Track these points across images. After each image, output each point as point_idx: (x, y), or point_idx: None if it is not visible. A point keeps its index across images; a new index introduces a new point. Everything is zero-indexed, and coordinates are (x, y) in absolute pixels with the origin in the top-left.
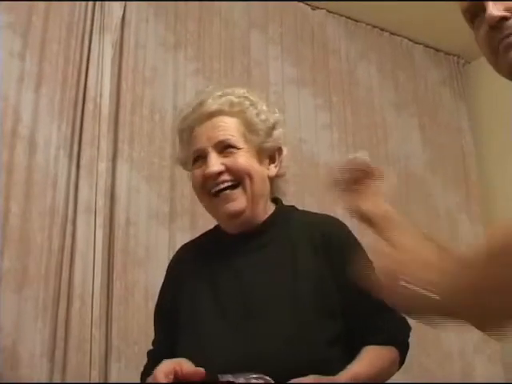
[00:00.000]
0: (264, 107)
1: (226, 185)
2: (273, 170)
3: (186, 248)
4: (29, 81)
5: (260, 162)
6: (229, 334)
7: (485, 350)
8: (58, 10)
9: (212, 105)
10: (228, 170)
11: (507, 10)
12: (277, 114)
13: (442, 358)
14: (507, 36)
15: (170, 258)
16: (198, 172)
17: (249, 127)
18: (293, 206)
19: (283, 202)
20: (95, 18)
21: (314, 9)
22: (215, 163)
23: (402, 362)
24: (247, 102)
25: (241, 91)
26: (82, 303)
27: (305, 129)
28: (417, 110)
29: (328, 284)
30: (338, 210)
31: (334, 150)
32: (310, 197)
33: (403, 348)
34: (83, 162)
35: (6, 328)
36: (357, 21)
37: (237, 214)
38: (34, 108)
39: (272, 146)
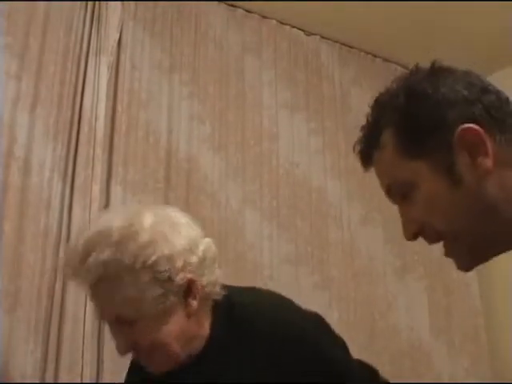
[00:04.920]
0: (144, 243)
1: (143, 357)
2: (193, 303)
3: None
4: (24, 102)
5: (169, 316)
6: None
7: (476, 374)
8: (55, 32)
9: (85, 279)
10: (136, 345)
11: (415, 222)
12: (179, 243)
13: (433, 381)
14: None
15: None
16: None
17: (132, 294)
18: (230, 307)
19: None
20: (91, 40)
21: (307, 34)
22: (121, 343)
23: None
24: (117, 255)
25: (114, 233)
26: (73, 325)
27: (297, 153)
28: None
29: None
30: (330, 235)
31: (327, 174)
32: (302, 221)
33: None
34: (77, 183)
35: None
36: (350, 47)
37: (163, 372)
38: (30, 129)
39: (176, 293)
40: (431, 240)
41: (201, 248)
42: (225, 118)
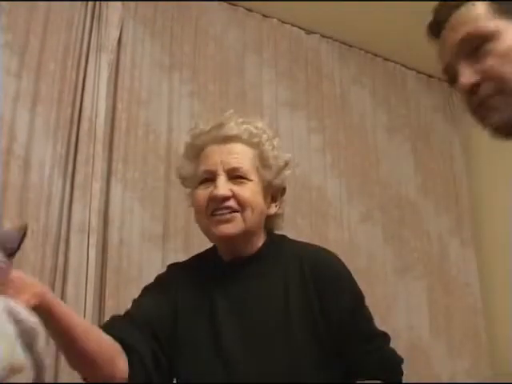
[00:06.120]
0: (278, 145)
1: (228, 210)
2: (273, 208)
3: (177, 269)
4: (25, 100)
5: (264, 197)
6: (224, 371)
7: (476, 374)
8: (55, 29)
9: (232, 129)
10: (234, 197)
11: (480, 72)
12: (288, 155)
13: (433, 381)
14: (480, 104)
15: None
16: (202, 193)
17: (263, 161)
18: (283, 236)
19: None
20: (92, 38)
21: (308, 33)
22: (224, 187)
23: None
24: (265, 136)
25: (259, 124)
26: None
27: (298, 152)
28: (409, 135)
29: (317, 318)
30: (330, 234)
31: (327, 173)
32: (302, 219)
33: (396, 374)
34: (77, 181)
35: None
36: (350, 46)
37: (230, 237)
38: (30, 127)
39: (278, 185)
40: (486, 93)
41: (289, 168)
42: None
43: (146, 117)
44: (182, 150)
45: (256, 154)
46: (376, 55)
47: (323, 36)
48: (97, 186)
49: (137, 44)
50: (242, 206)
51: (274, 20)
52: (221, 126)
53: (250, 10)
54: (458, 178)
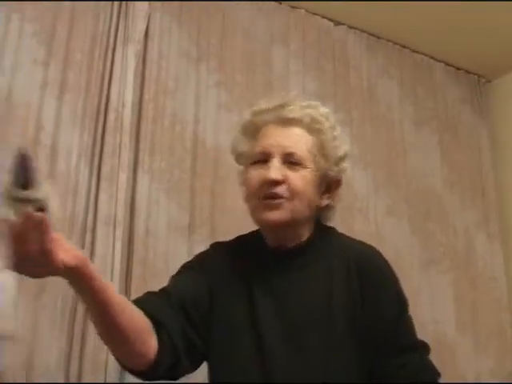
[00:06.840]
0: (340, 134)
1: (277, 195)
2: (324, 200)
3: (220, 249)
4: (52, 89)
5: (317, 187)
6: (263, 364)
7: (501, 370)
8: (83, 20)
9: (294, 112)
10: (286, 182)
11: None
12: (347, 146)
13: (459, 376)
14: None
15: None
16: (256, 174)
17: (321, 150)
18: (333, 229)
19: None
20: (119, 29)
21: (335, 24)
22: (277, 171)
23: None
24: (327, 124)
25: (324, 110)
26: None
27: None
28: (436, 128)
29: (359, 313)
30: (356, 226)
31: (354, 166)
32: None
33: None
34: (104, 172)
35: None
36: (378, 37)
37: (276, 224)
38: (57, 116)
39: (334, 176)
40: None
41: (347, 160)
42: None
43: (173, 107)
44: (209, 140)
45: (315, 141)
46: (404, 47)
47: (351, 27)
48: (123, 176)
49: (164, 34)
50: (292, 193)
51: (302, 11)
52: (283, 106)
53: (277, 0)
54: (484, 171)
